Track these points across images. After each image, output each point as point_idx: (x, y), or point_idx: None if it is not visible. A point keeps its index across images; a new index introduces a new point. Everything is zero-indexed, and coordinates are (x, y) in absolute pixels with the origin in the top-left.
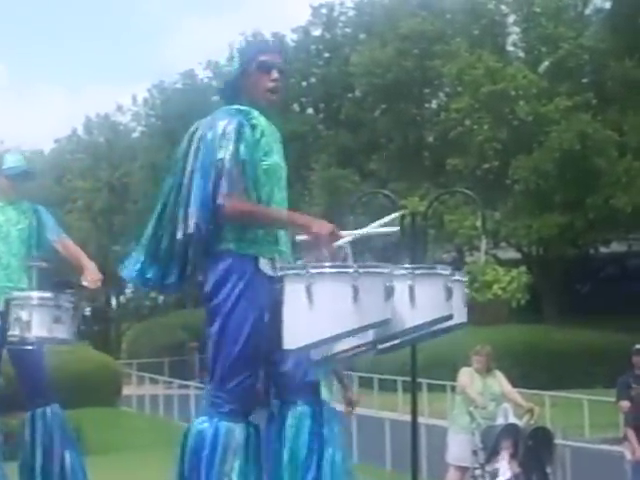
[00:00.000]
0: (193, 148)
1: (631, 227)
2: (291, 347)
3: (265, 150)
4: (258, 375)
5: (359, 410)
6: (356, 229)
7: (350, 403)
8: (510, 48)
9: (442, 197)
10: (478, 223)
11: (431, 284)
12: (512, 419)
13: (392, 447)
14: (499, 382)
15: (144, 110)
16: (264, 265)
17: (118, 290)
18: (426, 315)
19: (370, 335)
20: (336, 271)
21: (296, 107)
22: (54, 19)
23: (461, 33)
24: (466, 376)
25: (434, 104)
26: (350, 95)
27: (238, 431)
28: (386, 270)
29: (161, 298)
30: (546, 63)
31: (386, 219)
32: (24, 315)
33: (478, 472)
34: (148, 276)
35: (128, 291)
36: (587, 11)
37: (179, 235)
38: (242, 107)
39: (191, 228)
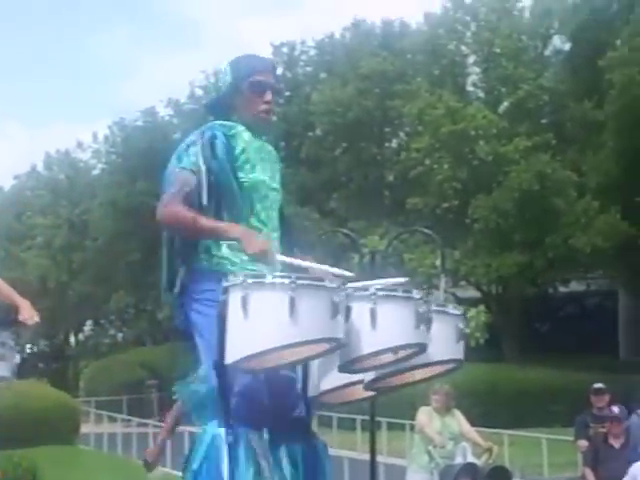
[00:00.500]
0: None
1: (590, 267)
2: (228, 361)
3: (245, 166)
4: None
5: None
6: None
7: None
8: (470, 88)
9: (402, 236)
10: (438, 262)
11: (397, 307)
12: (470, 458)
13: None
14: (458, 421)
15: (104, 147)
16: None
17: (76, 327)
18: (390, 340)
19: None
20: (273, 281)
21: None
22: (11, 53)
23: (421, 73)
24: (425, 415)
25: (394, 143)
26: (311, 134)
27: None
28: (332, 285)
29: (120, 335)
30: (506, 103)
31: (392, 280)
32: None
33: None
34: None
35: (86, 328)
36: (547, 52)
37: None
38: (226, 122)
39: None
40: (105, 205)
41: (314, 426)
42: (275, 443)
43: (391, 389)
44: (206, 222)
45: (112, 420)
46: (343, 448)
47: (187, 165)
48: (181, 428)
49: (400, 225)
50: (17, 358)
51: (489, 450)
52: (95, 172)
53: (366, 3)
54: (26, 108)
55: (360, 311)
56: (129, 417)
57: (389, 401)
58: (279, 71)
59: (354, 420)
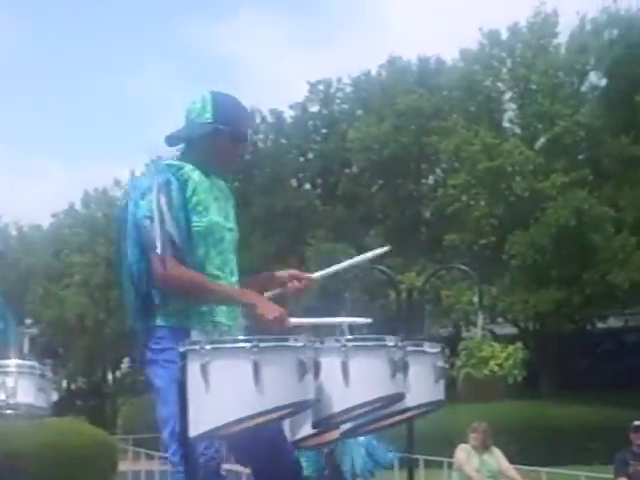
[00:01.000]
0: (128, 213)
1: (628, 302)
2: (193, 434)
3: (198, 209)
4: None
5: None
6: (353, 303)
7: None
8: (506, 124)
9: (439, 272)
10: (475, 298)
11: (370, 358)
12: None
13: None
14: (496, 459)
15: None
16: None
17: (114, 365)
18: (364, 395)
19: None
20: (234, 346)
21: (293, 182)
22: (50, 92)
23: (458, 109)
24: (463, 453)
25: (431, 180)
26: (347, 170)
27: None
28: (298, 344)
29: None
30: (542, 140)
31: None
32: (9, 381)
33: None
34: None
35: (124, 366)
36: (583, 88)
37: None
38: (173, 162)
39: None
40: None
41: None
42: None
43: (370, 431)
44: (217, 286)
45: (150, 458)
46: None
47: (157, 215)
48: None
49: (437, 262)
50: (54, 395)
51: None
52: None
53: (402, 40)
54: (64, 147)
55: (331, 365)
56: (166, 455)
57: (427, 438)
58: (315, 108)
59: None
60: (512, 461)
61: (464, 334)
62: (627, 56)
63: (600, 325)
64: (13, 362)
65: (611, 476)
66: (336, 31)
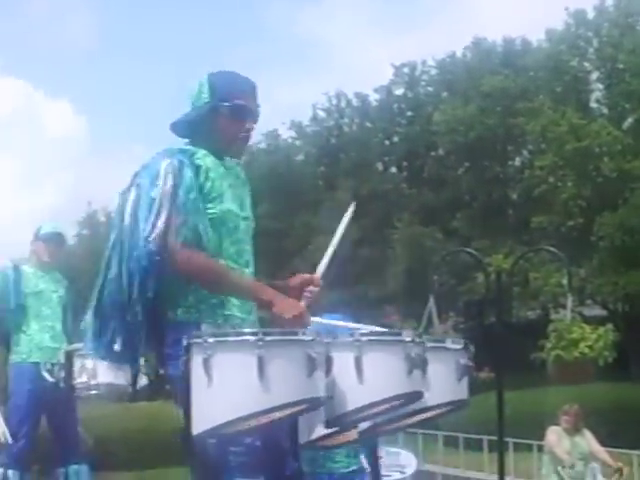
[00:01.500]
0: (132, 196)
1: None
2: (195, 433)
3: (211, 196)
4: None
5: (446, 469)
6: (440, 287)
7: None
8: (594, 105)
9: (527, 255)
10: (564, 281)
11: (385, 354)
12: (600, 479)
13: None
14: (587, 441)
15: None
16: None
17: None
18: (379, 393)
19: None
20: (237, 339)
21: (379, 166)
22: (134, 77)
23: (544, 90)
24: (554, 435)
25: (518, 161)
26: (433, 153)
27: None
28: (307, 338)
29: None
30: (630, 119)
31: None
32: (88, 363)
33: None
34: (94, 344)
35: None
36: None
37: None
38: (186, 147)
39: (135, 291)
40: None
41: (439, 445)
42: None
43: (388, 431)
44: (237, 278)
45: None
46: (470, 469)
47: (170, 199)
48: None
49: (524, 244)
50: (144, 379)
51: (619, 470)
52: None
53: (487, 21)
54: (146, 130)
55: (343, 361)
56: None
57: (517, 421)
58: (400, 91)
59: (481, 440)
60: (602, 443)
61: (552, 316)
62: None
63: None
64: None
65: None
66: (420, 13)
